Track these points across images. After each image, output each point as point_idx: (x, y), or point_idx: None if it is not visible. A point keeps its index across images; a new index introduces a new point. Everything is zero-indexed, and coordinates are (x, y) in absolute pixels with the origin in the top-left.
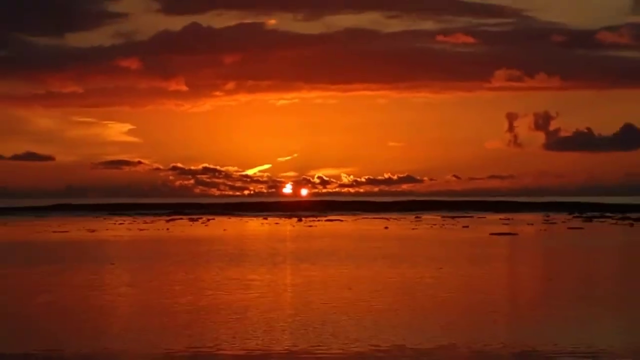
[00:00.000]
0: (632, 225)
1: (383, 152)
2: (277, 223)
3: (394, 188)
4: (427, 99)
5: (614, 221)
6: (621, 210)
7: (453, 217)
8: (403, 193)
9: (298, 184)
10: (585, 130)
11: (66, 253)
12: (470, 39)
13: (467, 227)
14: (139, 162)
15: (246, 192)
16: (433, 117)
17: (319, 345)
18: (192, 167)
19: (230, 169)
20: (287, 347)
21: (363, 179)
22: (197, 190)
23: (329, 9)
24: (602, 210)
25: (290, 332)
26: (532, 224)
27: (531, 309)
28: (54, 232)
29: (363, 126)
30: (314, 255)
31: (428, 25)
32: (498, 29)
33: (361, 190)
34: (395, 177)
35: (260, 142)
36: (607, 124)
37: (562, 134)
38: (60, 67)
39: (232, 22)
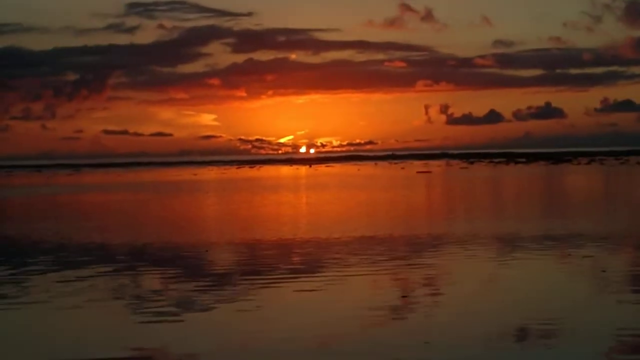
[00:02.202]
0: (495, 165)
1: (356, 128)
2: (297, 168)
3: (362, 147)
4: (380, 98)
5: (484, 164)
6: (489, 157)
7: (396, 163)
8: (368, 150)
9: (308, 146)
10: (468, 114)
11: (183, 186)
12: (403, 64)
13: (404, 168)
14: (220, 136)
15: (279, 151)
16: (384, 108)
17: (315, 230)
18: (250, 138)
19: (270, 139)
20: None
21: (345, 143)
22: (253, 151)
23: (324, 49)
24: (479, 157)
25: (307, 223)
26: (439, 167)
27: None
28: (176, 176)
29: (345, 114)
30: (318, 185)
31: (380, 57)
32: (419, 58)
33: (344, 149)
34: (363, 141)
35: (287, 124)
36: (479, 110)
37: (455, 116)
38: (175, 84)
39: (271, 57)
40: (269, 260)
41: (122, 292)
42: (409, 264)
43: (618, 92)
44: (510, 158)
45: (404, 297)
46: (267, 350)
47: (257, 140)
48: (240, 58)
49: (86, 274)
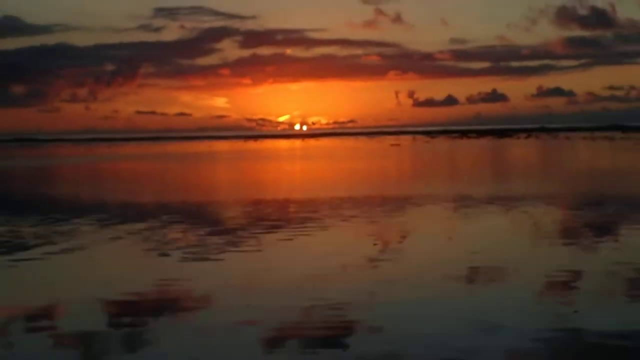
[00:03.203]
0: (452, 139)
1: (340, 109)
2: (292, 142)
3: (345, 125)
4: (359, 85)
5: (443, 138)
6: (447, 133)
7: (372, 138)
8: (350, 127)
9: (301, 124)
10: (430, 98)
11: (201, 157)
12: (378, 58)
13: (379, 142)
14: (230, 116)
15: (278, 128)
16: (362, 94)
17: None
18: (254, 118)
19: (271, 118)
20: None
21: (331, 122)
22: (257, 128)
23: (314, 45)
24: (439, 133)
25: (299, 186)
26: (407, 141)
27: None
28: (194, 148)
29: (331, 98)
30: (309, 156)
31: (359, 52)
32: (390, 53)
33: (330, 127)
34: (346, 120)
35: (284, 106)
36: (439, 95)
37: (420, 100)
38: (194, 73)
39: (271, 52)
40: (267, 215)
41: (154, 239)
42: (383, 217)
43: (550, 81)
44: (464, 134)
45: (374, 244)
46: (266, 282)
47: (260, 119)
48: (246, 53)
49: (124, 226)
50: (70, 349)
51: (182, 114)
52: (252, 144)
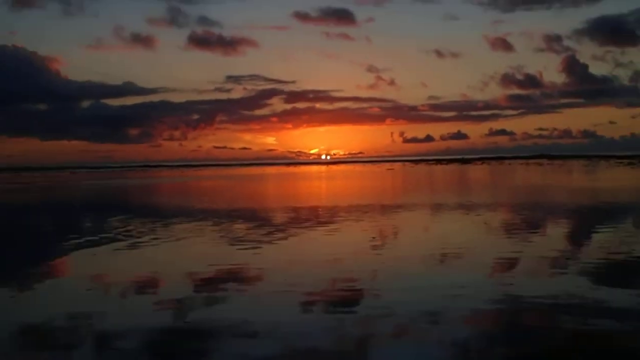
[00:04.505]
0: (429, 165)
1: (352, 145)
2: (320, 167)
3: (356, 155)
4: (365, 128)
5: (424, 165)
6: (426, 161)
7: (375, 164)
8: (359, 157)
9: (326, 155)
10: (414, 137)
11: (257, 177)
12: (378, 110)
13: (379, 167)
14: (277, 149)
15: (310, 158)
16: (367, 134)
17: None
18: (294, 150)
19: (305, 150)
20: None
21: (347, 153)
22: (296, 158)
23: (334, 101)
24: (421, 161)
25: (325, 196)
26: (398, 166)
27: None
28: (253, 172)
29: (346, 137)
30: (331, 176)
31: (365, 105)
32: (387, 106)
33: (345, 156)
34: (356, 152)
35: (314, 142)
36: (421, 134)
37: (407, 138)
38: (253, 120)
39: (305, 106)
40: (300, 216)
41: (224, 233)
42: (380, 219)
43: (497, 125)
44: (438, 161)
45: (373, 238)
46: (298, 263)
47: (298, 151)
48: (288, 106)
49: (204, 224)
50: (168, 306)
51: (244, 148)
52: (292, 169)
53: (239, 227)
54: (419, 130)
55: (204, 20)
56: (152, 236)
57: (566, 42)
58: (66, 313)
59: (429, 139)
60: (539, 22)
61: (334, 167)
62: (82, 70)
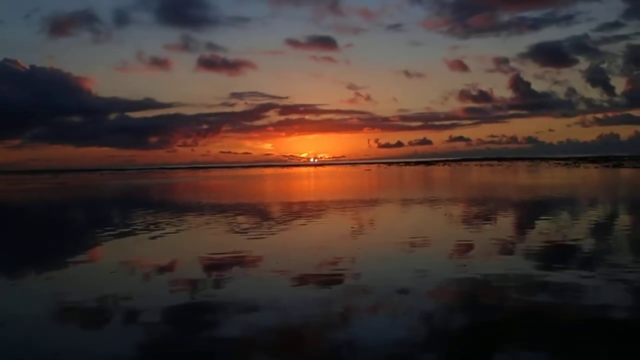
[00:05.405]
0: (400, 166)
1: (336, 150)
2: (309, 169)
3: (339, 159)
4: (346, 136)
5: (396, 166)
6: (397, 163)
7: (354, 166)
8: (342, 160)
9: (314, 158)
10: (387, 143)
11: (256, 177)
12: (357, 120)
13: (358, 168)
14: (273, 154)
15: (301, 161)
16: (349, 141)
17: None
18: (287, 154)
19: (297, 154)
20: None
21: (331, 157)
22: (289, 161)
23: (321, 113)
24: (393, 163)
25: (312, 192)
26: (374, 167)
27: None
28: (252, 172)
29: (331, 143)
30: (318, 176)
31: (346, 117)
32: (364, 117)
33: (330, 160)
34: (339, 155)
35: (304, 147)
36: (393, 141)
37: (381, 143)
38: (253, 130)
39: (297, 117)
40: (293, 209)
41: (229, 224)
42: (359, 211)
43: (456, 132)
44: (407, 164)
45: (352, 227)
46: (291, 249)
47: (290, 155)
48: (282, 118)
49: (213, 216)
50: (184, 287)
51: (246, 153)
52: (286, 170)
53: (242, 219)
54: (391, 137)
55: (211, 46)
56: (169, 227)
57: (512, 64)
58: (96, 290)
59: (399, 144)
60: (490, 47)
61: (320, 169)
62: (109, 88)
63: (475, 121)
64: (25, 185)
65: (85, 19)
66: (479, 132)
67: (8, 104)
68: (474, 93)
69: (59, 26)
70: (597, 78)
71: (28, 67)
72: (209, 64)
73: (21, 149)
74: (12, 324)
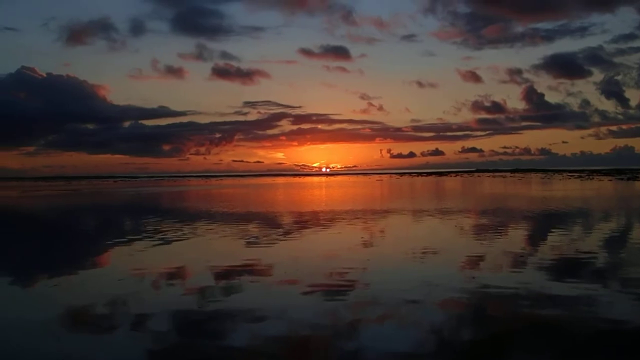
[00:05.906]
0: (412, 177)
1: (348, 159)
2: (321, 178)
3: (351, 168)
4: (359, 146)
5: (408, 177)
6: (409, 173)
7: (366, 176)
8: (353, 170)
9: (326, 167)
10: (399, 153)
11: (268, 185)
12: (370, 130)
13: (370, 178)
14: (285, 163)
15: (313, 170)
16: (361, 151)
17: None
18: (299, 164)
19: (309, 164)
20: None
21: (343, 166)
22: (301, 170)
23: (333, 123)
24: (405, 174)
25: (325, 201)
26: (386, 177)
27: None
28: (264, 181)
29: (343, 153)
30: (330, 185)
31: (359, 127)
32: (377, 127)
33: (342, 169)
34: (351, 165)
35: (316, 157)
36: (405, 151)
37: (393, 154)
38: (265, 139)
39: (309, 127)
40: (303, 218)
41: (239, 232)
42: (370, 221)
43: (469, 143)
44: (419, 174)
45: (362, 238)
46: (301, 258)
47: (302, 165)
48: (295, 127)
49: (223, 224)
50: (191, 294)
51: (258, 161)
52: (297, 179)
53: (253, 228)
54: (403, 147)
55: (225, 55)
56: (179, 234)
57: (526, 75)
58: (103, 297)
59: (411, 155)
60: (503, 58)
61: (332, 178)
62: (124, 96)
63: (488, 132)
64: (39, 192)
65: (102, 28)
66: (491, 144)
67: (26, 110)
68: (487, 104)
69: (76, 34)
70: (612, 90)
71: (45, 75)
72: (222, 72)
73: (36, 155)
74: (20, 329)
